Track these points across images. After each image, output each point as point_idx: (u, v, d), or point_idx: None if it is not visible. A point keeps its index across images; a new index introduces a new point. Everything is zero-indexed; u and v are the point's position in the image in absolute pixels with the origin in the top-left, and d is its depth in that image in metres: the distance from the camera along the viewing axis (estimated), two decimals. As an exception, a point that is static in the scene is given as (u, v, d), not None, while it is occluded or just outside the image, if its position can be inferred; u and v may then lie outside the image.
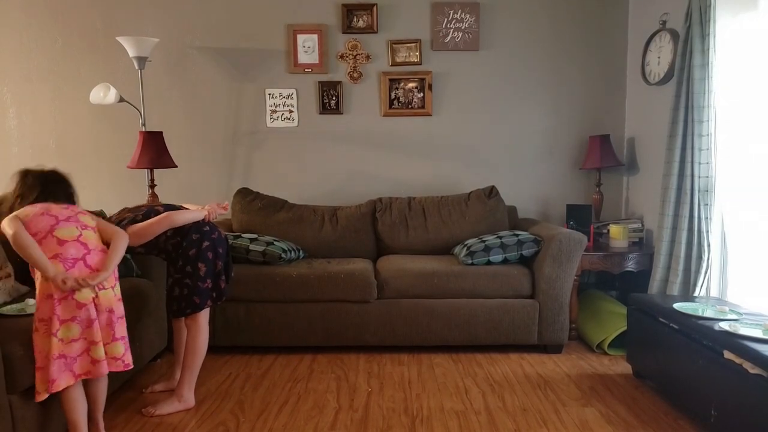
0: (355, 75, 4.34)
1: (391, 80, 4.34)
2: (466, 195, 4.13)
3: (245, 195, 4.08)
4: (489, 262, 3.54)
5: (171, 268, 2.78)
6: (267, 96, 4.37)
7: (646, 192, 4.08)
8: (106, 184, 4.40)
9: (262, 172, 4.44)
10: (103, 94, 3.94)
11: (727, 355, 2.28)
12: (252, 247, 3.54)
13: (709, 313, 2.62)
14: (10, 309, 2.42)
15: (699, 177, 3.22)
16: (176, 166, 3.97)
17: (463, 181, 4.40)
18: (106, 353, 2.27)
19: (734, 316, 2.56)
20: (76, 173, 4.37)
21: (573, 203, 4.29)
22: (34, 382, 2.14)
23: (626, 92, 4.39)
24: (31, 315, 2.34)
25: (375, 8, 4.26)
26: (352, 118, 4.41)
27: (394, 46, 4.31)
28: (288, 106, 4.37)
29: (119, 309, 2.36)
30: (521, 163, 4.44)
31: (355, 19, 4.29)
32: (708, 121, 3.18)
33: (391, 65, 4.33)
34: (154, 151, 3.83)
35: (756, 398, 2.11)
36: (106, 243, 2.42)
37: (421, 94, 4.36)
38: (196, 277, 2.70)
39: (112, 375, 2.79)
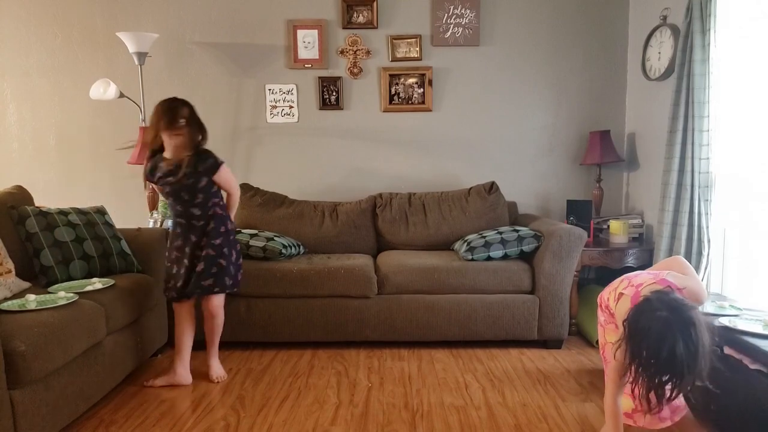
0: (355, 70, 4.34)
1: (391, 76, 4.33)
2: (466, 190, 4.13)
3: (245, 191, 4.08)
4: (489, 258, 3.54)
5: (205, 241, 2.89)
6: (267, 91, 4.36)
7: (647, 187, 4.08)
8: (106, 180, 4.40)
9: (262, 167, 4.44)
10: (103, 90, 3.94)
11: (727, 350, 2.28)
12: (252, 242, 3.55)
13: (708, 309, 2.62)
14: (11, 305, 2.42)
15: (699, 173, 3.22)
16: (176, 162, 3.96)
17: (464, 177, 4.40)
18: None
19: (734, 312, 2.56)
20: (76, 169, 4.43)
21: (573, 199, 4.30)
22: (34, 377, 2.14)
23: (626, 88, 4.38)
24: (32, 311, 2.35)
25: (375, 3, 4.24)
26: (353, 114, 4.40)
27: (394, 41, 4.30)
28: (288, 101, 4.37)
29: None
30: (521, 158, 4.44)
31: (355, 15, 4.29)
32: (708, 116, 3.17)
33: (392, 61, 4.33)
34: (154, 147, 3.82)
35: (756, 393, 2.11)
36: None
37: (422, 90, 4.35)
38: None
39: (108, 370, 2.79)
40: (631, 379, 1.81)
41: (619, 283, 2.16)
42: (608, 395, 2.10)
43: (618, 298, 2.12)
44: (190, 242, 2.90)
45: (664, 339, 1.68)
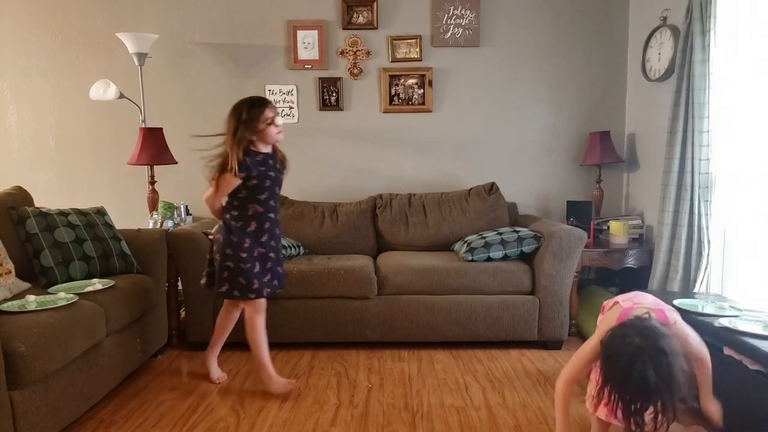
0: (356, 71, 4.34)
1: (391, 76, 4.33)
2: (466, 191, 4.13)
3: (245, 191, 4.07)
4: (489, 259, 3.54)
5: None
6: (267, 92, 4.36)
7: (647, 188, 4.08)
8: (106, 181, 4.40)
9: (262, 168, 4.43)
10: (103, 91, 3.94)
11: (727, 351, 2.28)
12: (252, 243, 3.54)
13: (709, 310, 2.63)
14: (11, 306, 2.42)
15: (699, 173, 3.22)
16: (176, 163, 3.96)
17: (464, 178, 4.40)
18: None
19: (734, 313, 2.56)
20: (76, 170, 4.43)
21: (573, 199, 4.30)
22: (34, 378, 2.14)
23: (627, 88, 4.38)
24: (32, 312, 2.35)
25: (375, 4, 4.24)
26: (353, 115, 4.40)
27: (394, 42, 4.30)
28: (288, 102, 4.37)
29: None
30: (522, 159, 4.44)
31: (355, 15, 4.29)
32: (708, 117, 3.17)
33: (392, 61, 4.32)
34: (154, 148, 3.82)
35: (756, 394, 2.11)
36: None
37: (422, 91, 4.35)
38: None
39: (107, 371, 2.79)
40: (606, 401, 1.80)
41: (626, 295, 2.13)
42: (561, 378, 2.08)
43: (613, 305, 2.11)
44: (277, 237, 2.92)
45: (633, 365, 1.67)
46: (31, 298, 2.49)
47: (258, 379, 3.06)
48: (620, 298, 2.12)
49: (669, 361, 1.67)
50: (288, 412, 2.68)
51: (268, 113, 2.80)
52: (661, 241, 3.44)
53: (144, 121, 4.11)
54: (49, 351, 2.20)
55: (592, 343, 1.96)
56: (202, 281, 2.95)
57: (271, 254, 2.90)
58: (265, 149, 2.86)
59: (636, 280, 3.90)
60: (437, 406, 2.74)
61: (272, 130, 2.83)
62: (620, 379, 1.70)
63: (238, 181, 2.75)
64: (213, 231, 2.97)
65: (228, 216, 2.83)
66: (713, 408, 2.03)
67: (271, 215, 2.88)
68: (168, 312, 3.45)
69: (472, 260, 3.54)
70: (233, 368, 3.23)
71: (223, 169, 2.72)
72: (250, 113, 2.76)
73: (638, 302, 2.01)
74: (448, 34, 4.30)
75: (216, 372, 3.06)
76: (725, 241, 3.28)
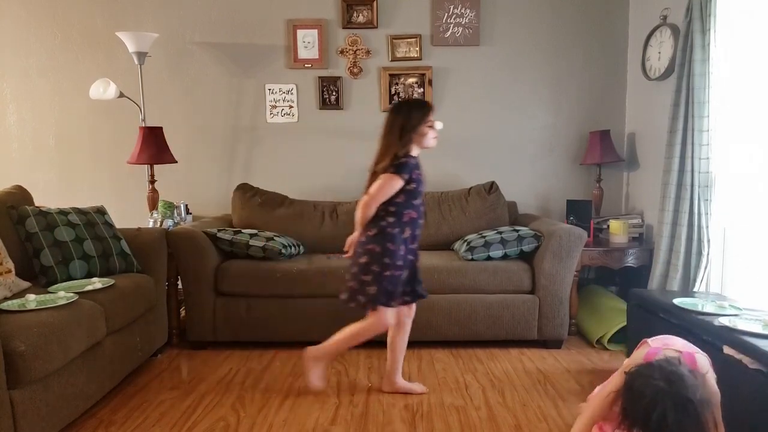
0: (355, 70, 4.33)
1: (391, 75, 4.33)
2: (466, 190, 4.13)
3: (245, 191, 4.08)
4: (489, 258, 3.54)
5: None
6: (267, 91, 4.36)
7: (647, 187, 4.08)
8: (105, 180, 4.40)
9: (262, 167, 4.43)
10: (103, 90, 3.94)
11: (727, 350, 2.28)
12: (252, 242, 3.54)
13: (708, 309, 2.63)
14: (11, 305, 2.42)
15: (699, 172, 3.22)
16: (176, 162, 3.96)
17: (464, 177, 4.39)
18: None
19: (734, 312, 2.56)
20: (76, 169, 4.43)
21: (573, 198, 4.29)
22: (34, 377, 2.14)
23: (626, 88, 4.38)
24: (32, 311, 2.35)
25: (375, 3, 4.24)
26: (352, 114, 4.40)
27: (394, 41, 4.30)
28: (288, 101, 4.37)
29: None
30: (521, 158, 4.44)
31: (355, 14, 4.28)
32: (708, 116, 3.17)
33: (391, 60, 4.32)
34: (154, 147, 3.82)
35: (755, 393, 2.11)
36: None
37: (422, 90, 4.35)
38: None
39: (107, 370, 2.79)
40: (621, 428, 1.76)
41: (655, 337, 2.09)
42: (581, 420, 2.03)
43: (641, 344, 2.08)
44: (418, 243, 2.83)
45: (654, 408, 1.63)
46: (31, 297, 2.48)
47: (258, 378, 3.06)
48: (649, 339, 2.08)
49: (696, 409, 1.62)
50: (288, 411, 2.68)
51: (431, 116, 2.77)
52: (661, 240, 3.43)
53: (144, 120, 4.11)
54: (49, 350, 2.20)
55: (614, 381, 1.90)
56: (343, 296, 2.78)
57: (415, 262, 2.82)
58: (416, 153, 2.77)
59: (636, 279, 3.90)
60: (437, 405, 2.74)
61: (431, 134, 2.78)
62: (641, 421, 1.65)
63: (401, 183, 2.65)
64: (348, 251, 2.81)
65: (384, 223, 2.68)
66: None
67: (421, 221, 2.81)
68: (168, 311, 3.45)
69: (472, 259, 3.53)
70: (233, 367, 3.23)
71: (387, 170, 2.65)
72: (421, 112, 2.74)
73: (668, 344, 1.98)
74: (448, 33, 4.30)
75: (415, 386, 2.92)
76: (725, 241, 3.28)
